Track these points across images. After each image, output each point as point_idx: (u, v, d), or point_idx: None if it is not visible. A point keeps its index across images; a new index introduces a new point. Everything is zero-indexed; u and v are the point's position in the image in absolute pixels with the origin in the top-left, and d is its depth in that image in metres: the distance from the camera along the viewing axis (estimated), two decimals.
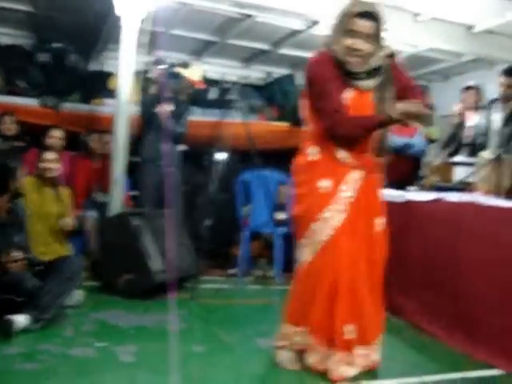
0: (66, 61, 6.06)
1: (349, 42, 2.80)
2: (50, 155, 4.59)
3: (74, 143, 5.84)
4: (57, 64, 6.02)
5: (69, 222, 4.49)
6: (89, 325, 3.62)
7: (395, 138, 5.47)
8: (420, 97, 2.94)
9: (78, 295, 4.00)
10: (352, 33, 2.79)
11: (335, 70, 2.85)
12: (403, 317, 4.20)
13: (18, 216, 3.83)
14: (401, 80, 2.91)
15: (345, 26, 2.82)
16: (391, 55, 2.86)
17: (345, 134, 2.83)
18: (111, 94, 6.03)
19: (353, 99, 2.87)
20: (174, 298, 4.35)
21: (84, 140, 5.65)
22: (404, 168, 5.44)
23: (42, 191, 4.52)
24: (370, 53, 2.83)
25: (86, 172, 5.50)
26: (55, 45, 6.05)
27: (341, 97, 2.84)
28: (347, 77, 2.86)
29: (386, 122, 2.81)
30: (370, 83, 2.88)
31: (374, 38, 2.83)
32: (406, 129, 5.47)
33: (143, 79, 5.26)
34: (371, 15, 2.80)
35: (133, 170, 5.32)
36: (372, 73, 2.87)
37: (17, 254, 3.54)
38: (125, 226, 4.44)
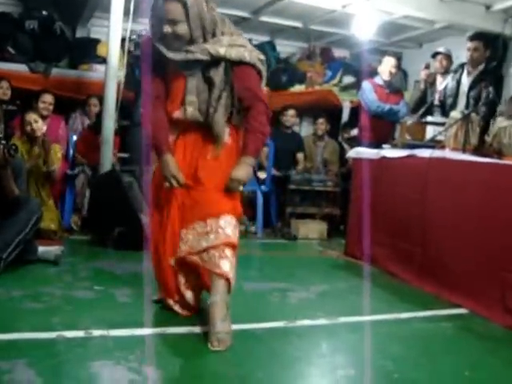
0: (53, 28, 6.06)
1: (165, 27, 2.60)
2: (32, 116, 4.65)
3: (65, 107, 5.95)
4: (44, 31, 6.01)
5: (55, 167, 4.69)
6: (86, 272, 3.78)
7: (382, 103, 5.70)
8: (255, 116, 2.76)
9: (56, 250, 3.94)
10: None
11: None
12: (377, 264, 4.41)
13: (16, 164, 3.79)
14: (239, 88, 2.75)
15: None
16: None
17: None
18: (98, 59, 6.15)
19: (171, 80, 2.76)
20: None
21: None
22: (384, 130, 5.58)
23: (32, 151, 4.66)
24: (183, 36, 2.61)
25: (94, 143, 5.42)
26: (42, 12, 6.05)
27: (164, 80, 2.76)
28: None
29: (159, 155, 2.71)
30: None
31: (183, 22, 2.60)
32: (392, 96, 5.79)
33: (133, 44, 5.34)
34: None
35: (122, 134, 5.41)
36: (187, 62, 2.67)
37: None
38: (117, 181, 4.52)
